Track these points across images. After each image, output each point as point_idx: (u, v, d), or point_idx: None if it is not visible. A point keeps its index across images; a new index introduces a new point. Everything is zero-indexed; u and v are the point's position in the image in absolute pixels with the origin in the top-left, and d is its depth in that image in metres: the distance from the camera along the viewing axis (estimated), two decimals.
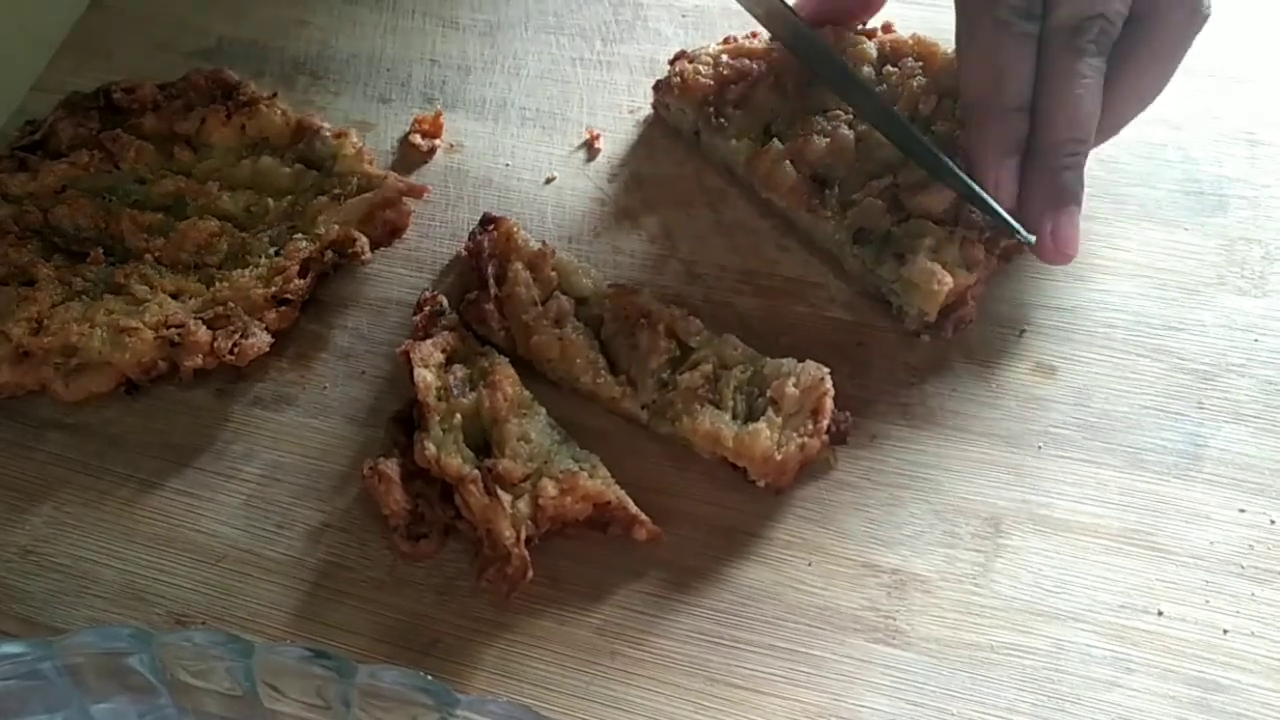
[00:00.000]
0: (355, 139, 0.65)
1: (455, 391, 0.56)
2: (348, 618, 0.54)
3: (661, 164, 0.67)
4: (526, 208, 0.65)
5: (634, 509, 0.54)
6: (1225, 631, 0.51)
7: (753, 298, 0.62)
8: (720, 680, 0.51)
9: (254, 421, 0.60)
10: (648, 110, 0.69)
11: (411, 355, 0.57)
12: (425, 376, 0.56)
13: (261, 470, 0.58)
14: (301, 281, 0.61)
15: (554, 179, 0.67)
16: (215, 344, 0.59)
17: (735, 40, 0.67)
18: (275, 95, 0.68)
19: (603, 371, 0.57)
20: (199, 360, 0.59)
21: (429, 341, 0.58)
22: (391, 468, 0.55)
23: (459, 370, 0.57)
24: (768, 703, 0.51)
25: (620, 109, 0.69)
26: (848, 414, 0.56)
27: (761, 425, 0.54)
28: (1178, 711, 0.50)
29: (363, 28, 0.74)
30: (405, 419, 0.57)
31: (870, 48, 0.64)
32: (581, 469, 0.54)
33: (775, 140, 0.63)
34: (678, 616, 0.53)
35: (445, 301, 0.60)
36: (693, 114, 0.66)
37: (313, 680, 0.48)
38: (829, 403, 0.54)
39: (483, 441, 0.56)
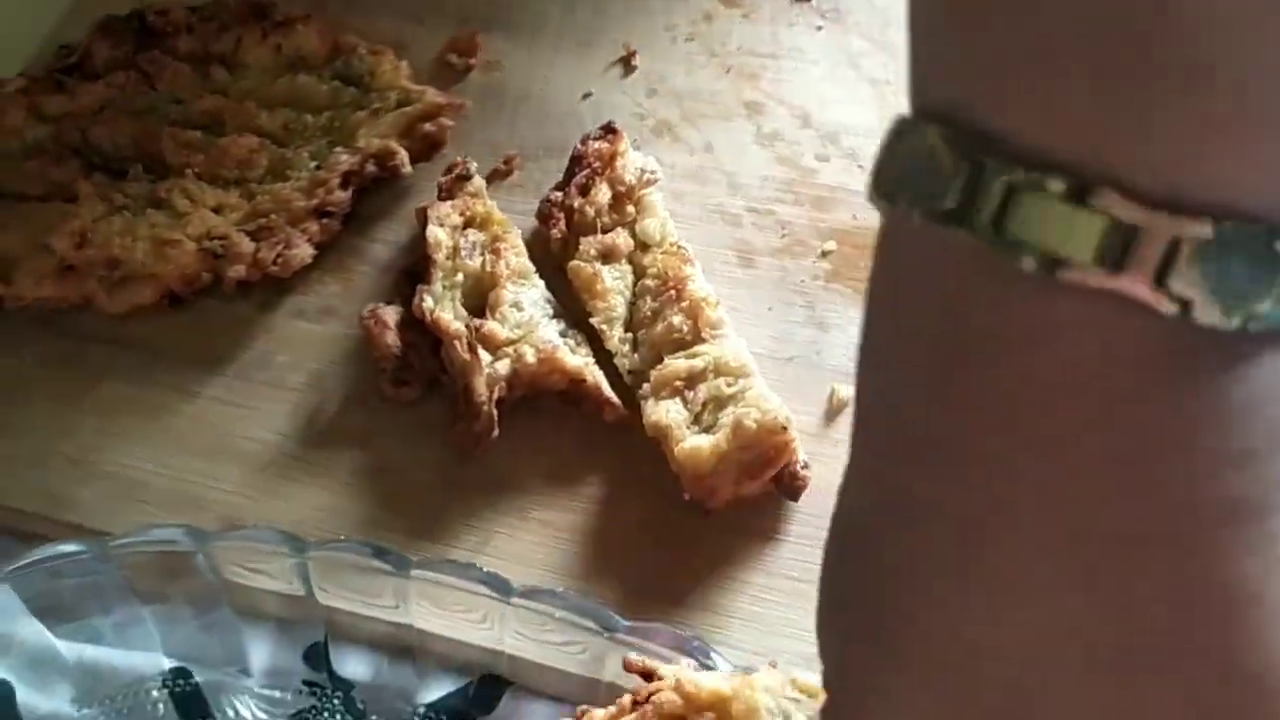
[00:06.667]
0: (393, 55, 0.65)
1: (464, 254, 0.57)
2: (397, 520, 0.54)
3: (700, 78, 0.67)
4: (564, 124, 0.65)
5: (608, 393, 0.54)
6: None
7: (795, 206, 0.61)
8: None
9: (297, 333, 0.60)
10: (685, 29, 0.69)
11: (429, 212, 0.58)
12: (437, 234, 0.57)
13: (306, 380, 0.58)
14: (343, 193, 0.60)
15: (591, 94, 0.67)
16: (259, 254, 0.59)
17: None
18: (309, 16, 0.67)
19: (614, 320, 0.56)
20: (242, 271, 0.59)
21: (449, 203, 0.59)
22: (390, 314, 0.56)
23: (472, 234, 0.58)
24: None
25: (656, 27, 0.69)
26: (808, 470, 0.51)
27: (706, 443, 0.50)
28: None
29: None
30: (416, 272, 0.58)
31: None
32: (565, 344, 0.55)
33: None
34: None
35: (474, 166, 0.61)
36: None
37: (369, 574, 0.48)
38: (785, 456, 0.50)
39: (481, 305, 0.56)
